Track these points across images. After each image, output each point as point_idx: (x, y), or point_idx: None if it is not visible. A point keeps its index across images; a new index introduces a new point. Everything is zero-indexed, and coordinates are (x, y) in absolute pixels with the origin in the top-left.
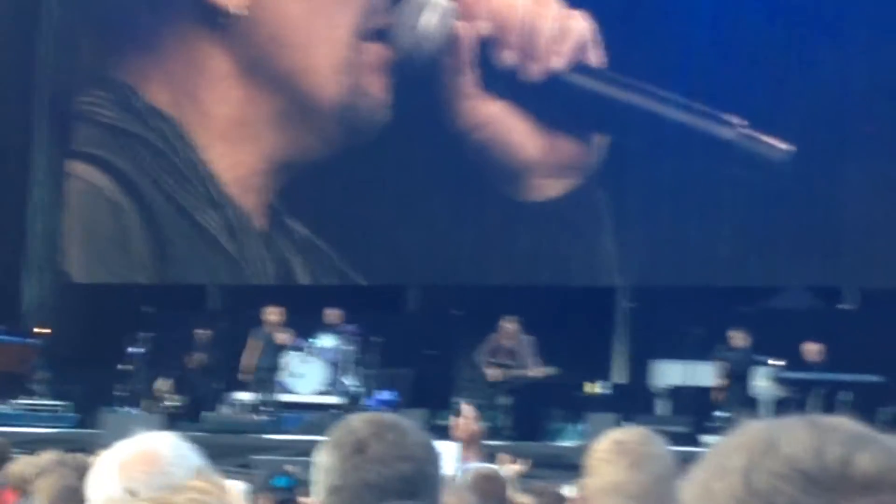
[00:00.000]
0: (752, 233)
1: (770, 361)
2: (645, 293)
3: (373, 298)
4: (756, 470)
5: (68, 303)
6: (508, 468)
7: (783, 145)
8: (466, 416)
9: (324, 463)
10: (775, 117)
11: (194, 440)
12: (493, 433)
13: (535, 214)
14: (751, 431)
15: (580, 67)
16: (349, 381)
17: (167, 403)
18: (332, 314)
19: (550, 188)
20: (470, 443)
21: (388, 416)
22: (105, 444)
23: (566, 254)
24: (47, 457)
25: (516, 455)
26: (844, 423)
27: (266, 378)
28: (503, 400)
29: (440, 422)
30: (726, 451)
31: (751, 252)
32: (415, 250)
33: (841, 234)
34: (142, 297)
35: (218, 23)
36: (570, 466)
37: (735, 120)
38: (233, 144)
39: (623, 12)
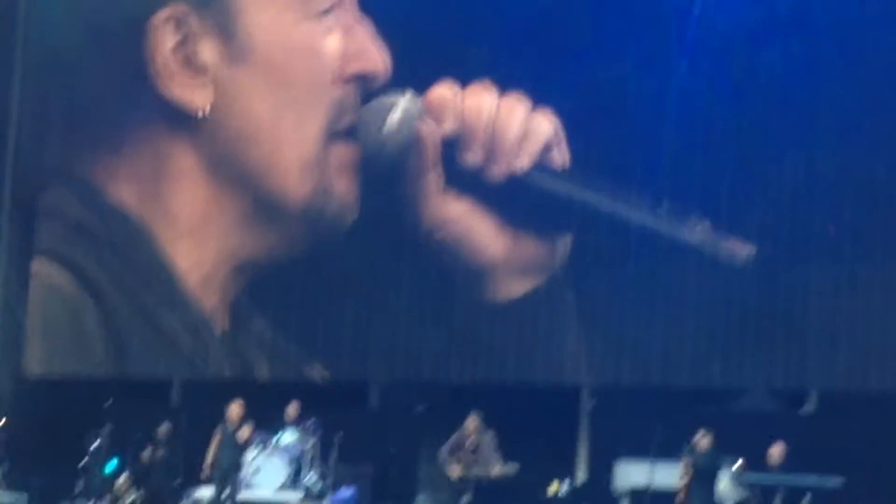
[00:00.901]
0: (715, 334)
1: (734, 464)
2: (609, 393)
3: (335, 394)
4: None
5: (29, 395)
6: None
7: (745, 248)
8: None
9: None
10: (737, 219)
11: None
12: None
13: (498, 313)
14: None
15: (544, 168)
16: (310, 478)
17: (125, 499)
18: (293, 409)
19: (513, 287)
20: None
21: None
22: None
23: (530, 352)
24: None
25: None
26: None
27: (227, 474)
28: (465, 498)
29: None
30: None
31: (714, 353)
32: (378, 347)
33: (803, 336)
34: (104, 391)
35: (185, 122)
36: None
37: (697, 222)
38: (197, 243)
39: (587, 113)
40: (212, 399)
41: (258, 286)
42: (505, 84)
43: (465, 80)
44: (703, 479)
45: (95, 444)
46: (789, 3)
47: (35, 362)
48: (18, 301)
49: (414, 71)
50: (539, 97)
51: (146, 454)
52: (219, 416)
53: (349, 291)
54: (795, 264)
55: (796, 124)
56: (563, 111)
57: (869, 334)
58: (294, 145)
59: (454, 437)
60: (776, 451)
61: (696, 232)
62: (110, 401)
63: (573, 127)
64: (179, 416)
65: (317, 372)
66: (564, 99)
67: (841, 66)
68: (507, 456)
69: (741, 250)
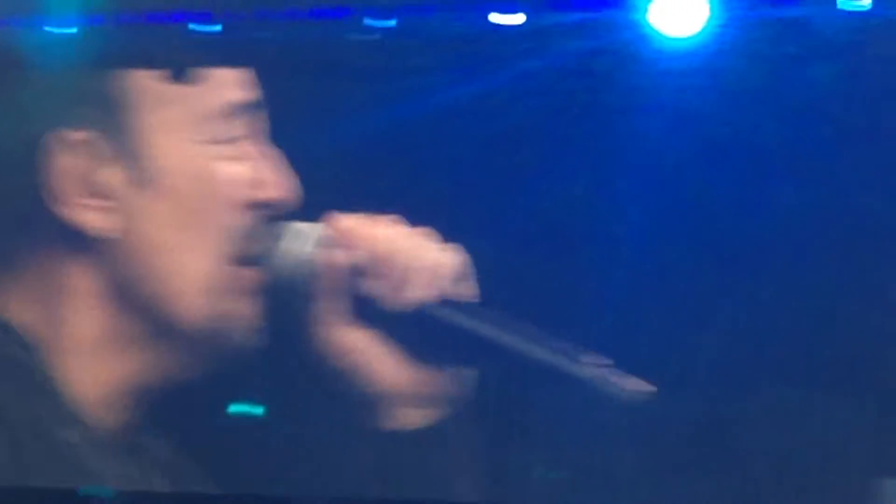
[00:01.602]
0: (662, 459)
1: None
2: None
3: None
4: None
5: None
6: None
7: (644, 386)
8: None
9: None
10: (690, 345)
11: None
12: None
13: (416, 439)
14: None
15: (448, 301)
16: None
17: None
18: None
19: (412, 419)
20: None
21: None
22: None
23: (471, 471)
24: None
25: None
26: None
27: None
28: None
29: None
30: None
31: (664, 478)
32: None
33: (754, 462)
34: (43, 501)
35: (84, 244)
36: None
37: (593, 359)
38: (93, 364)
39: (495, 247)
40: None
41: (156, 408)
42: (414, 218)
43: (374, 211)
44: None
45: None
46: (742, 130)
47: None
48: None
49: (322, 201)
50: (448, 232)
51: None
52: None
53: (252, 412)
54: (747, 388)
55: (746, 252)
56: (469, 245)
57: (821, 460)
58: (197, 269)
59: None
60: None
61: (591, 369)
62: None
63: (479, 261)
64: None
65: (213, 490)
66: (474, 235)
67: (796, 197)
68: None
69: (640, 388)
